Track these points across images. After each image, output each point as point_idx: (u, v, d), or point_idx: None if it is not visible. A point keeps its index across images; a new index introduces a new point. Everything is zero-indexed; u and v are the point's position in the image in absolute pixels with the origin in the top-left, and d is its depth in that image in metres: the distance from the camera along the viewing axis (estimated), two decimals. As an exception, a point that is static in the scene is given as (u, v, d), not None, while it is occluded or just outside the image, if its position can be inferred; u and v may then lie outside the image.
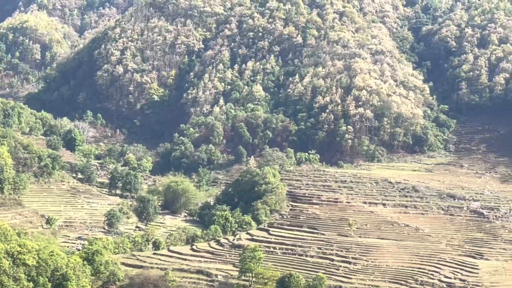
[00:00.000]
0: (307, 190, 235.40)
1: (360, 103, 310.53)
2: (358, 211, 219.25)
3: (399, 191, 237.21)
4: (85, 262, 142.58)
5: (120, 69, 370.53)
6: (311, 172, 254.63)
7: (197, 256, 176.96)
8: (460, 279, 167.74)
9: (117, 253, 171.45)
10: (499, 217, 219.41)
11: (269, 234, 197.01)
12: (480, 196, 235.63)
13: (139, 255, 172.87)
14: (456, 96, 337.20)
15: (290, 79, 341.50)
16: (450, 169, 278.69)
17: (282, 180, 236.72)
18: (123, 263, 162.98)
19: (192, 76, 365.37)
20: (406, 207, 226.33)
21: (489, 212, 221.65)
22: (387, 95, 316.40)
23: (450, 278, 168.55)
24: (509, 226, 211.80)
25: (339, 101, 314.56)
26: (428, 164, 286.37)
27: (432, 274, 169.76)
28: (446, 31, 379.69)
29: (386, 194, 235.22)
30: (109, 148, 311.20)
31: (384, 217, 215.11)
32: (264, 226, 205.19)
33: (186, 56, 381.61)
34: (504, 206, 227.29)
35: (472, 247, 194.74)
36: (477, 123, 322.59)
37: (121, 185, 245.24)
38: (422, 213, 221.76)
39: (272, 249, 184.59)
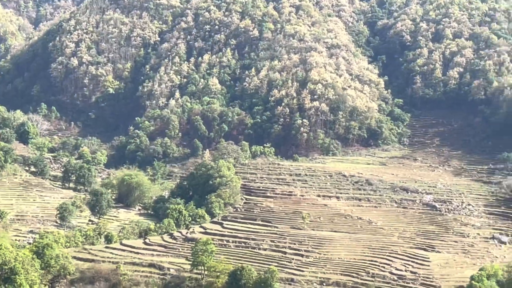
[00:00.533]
0: (261, 183, 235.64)
1: (315, 96, 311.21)
2: (312, 204, 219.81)
3: (353, 184, 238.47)
4: (34, 256, 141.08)
5: (75, 61, 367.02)
6: (266, 165, 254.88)
7: (149, 249, 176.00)
8: (411, 272, 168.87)
9: (69, 247, 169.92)
10: (451, 210, 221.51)
11: (223, 227, 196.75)
12: (433, 189, 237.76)
13: (90, 249, 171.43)
14: (411, 90, 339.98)
15: (246, 72, 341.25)
16: (404, 163, 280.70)
17: (236, 174, 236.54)
18: (74, 257, 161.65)
19: (148, 69, 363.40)
20: (360, 200, 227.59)
21: (441, 205, 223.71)
22: (342, 89, 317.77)
23: (401, 270, 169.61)
24: (460, 219, 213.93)
25: (294, 94, 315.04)
26: (382, 158, 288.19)
27: (384, 267, 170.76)
28: (401, 26, 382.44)
29: (340, 187, 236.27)
30: (63, 141, 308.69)
31: (338, 210, 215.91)
32: (218, 220, 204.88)
33: (142, 49, 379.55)
34: (456, 199, 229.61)
35: (424, 239, 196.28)
36: (431, 117, 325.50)
37: (74, 178, 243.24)
38: (375, 206, 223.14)
39: (225, 242, 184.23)
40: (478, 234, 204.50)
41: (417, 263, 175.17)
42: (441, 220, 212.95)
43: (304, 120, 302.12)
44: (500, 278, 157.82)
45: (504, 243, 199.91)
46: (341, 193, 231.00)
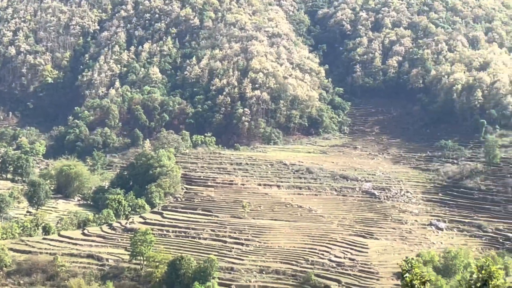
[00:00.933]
0: (202, 172, 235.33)
1: (256, 85, 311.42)
2: (252, 193, 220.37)
3: (294, 173, 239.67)
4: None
5: (12, 50, 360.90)
6: (207, 154, 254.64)
7: (88, 240, 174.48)
8: (350, 259, 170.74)
9: (5, 239, 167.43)
10: (389, 197, 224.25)
11: (163, 217, 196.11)
12: (372, 177, 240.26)
13: (28, 241, 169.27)
14: (351, 79, 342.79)
15: (187, 61, 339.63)
16: (344, 151, 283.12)
17: (177, 163, 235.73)
18: (11, 249, 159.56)
19: (87, 58, 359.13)
20: (300, 188, 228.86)
21: (380, 193, 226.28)
22: (283, 78, 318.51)
23: (340, 257, 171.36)
24: (399, 206, 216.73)
25: (236, 83, 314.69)
26: (322, 146, 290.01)
27: (323, 254, 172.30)
28: (341, 15, 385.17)
29: (281, 176, 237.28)
30: (0, 131, 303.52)
31: (278, 198, 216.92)
32: (158, 209, 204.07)
33: (81, 38, 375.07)
34: (395, 187, 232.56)
35: (363, 227, 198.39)
36: (371, 106, 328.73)
37: (12, 169, 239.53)
38: (315, 194, 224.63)
39: (165, 232, 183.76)
40: (416, 221, 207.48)
41: (355, 250, 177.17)
42: (380, 208, 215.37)
43: (246, 109, 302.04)
44: (436, 264, 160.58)
45: (441, 229, 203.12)
46: (281, 182, 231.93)
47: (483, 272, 26.13)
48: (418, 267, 27.84)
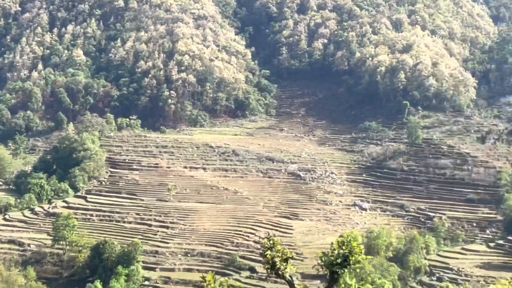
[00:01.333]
0: (127, 156, 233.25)
1: (182, 68, 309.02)
2: (178, 176, 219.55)
3: (220, 155, 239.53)
4: None
5: None
6: (132, 137, 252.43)
7: (9, 225, 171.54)
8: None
9: None
10: (315, 178, 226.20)
11: (86, 201, 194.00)
12: (298, 159, 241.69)
13: None
14: (277, 61, 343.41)
15: (112, 43, 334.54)
16: (270, 133, 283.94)
17: (101, 146, 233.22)
18: None
19: (8, 40, 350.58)
20: (226, 170, 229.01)
21: (305, 174, 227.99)
22: (209, 60, 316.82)
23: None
24: (324, 187, 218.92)
25: (161, 66, 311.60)
26: (249, 128, 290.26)
27: (248, 236, 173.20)
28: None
29: (207, 158, 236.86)
30: None
31: (204, 181, 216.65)
32: (82, 194, 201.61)
33: (1, 19, 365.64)
34: (320, 168, 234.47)
35: (288, 208, 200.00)
36: (297, 88, 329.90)
37: None
38: (241, 176, 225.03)
39: (89, 216, 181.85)
40: (340, 201, 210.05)
41: (280, 231, 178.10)
42: (305, 189, 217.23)
43: (172, 91, 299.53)
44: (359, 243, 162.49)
45: (365, 209, 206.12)
46: (208, 164, 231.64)
47: (343, 248, 26.26)
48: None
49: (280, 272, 27.28)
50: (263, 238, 27.75)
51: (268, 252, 27.22)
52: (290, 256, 27.45)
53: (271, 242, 27.39)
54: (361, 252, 26.66)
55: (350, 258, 26.77)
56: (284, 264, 27.31)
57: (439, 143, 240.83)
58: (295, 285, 27.52)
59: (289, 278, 27.42)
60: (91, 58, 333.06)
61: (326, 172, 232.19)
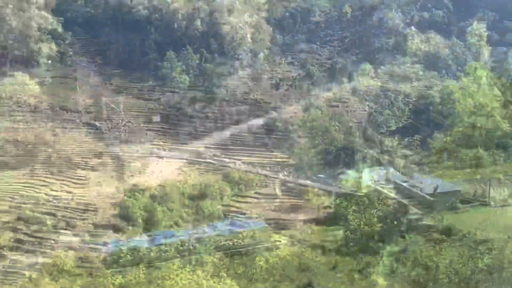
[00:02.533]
0: None
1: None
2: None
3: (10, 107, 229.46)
4: None
5: None
6: None
7: None
8: (67, 191, 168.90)
9: None
10: (111, 128, 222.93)
11: None
12: (94, 108, 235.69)
13: None
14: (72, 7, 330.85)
15: None
16: (65, 82, 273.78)
17: None
18: None
19: None
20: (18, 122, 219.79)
21: (101, 124, 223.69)
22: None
23: (57, 191, 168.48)
24: (120, 137, 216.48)
25: None
26: (44, 78, 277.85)
27: (39, 188, 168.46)
28: None
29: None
30: None
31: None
32: None
33: None
34: (116, 117, 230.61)
35: (83, 159, 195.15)
36: (93, 36, 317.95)
37: None
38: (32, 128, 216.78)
39: None
40: (137, 150, 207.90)
41: (73, 182, 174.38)
42: (101, 138, 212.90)
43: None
44: (153, 192, 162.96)
45: (162, 158, 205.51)
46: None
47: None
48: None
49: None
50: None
51: None
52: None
53: None
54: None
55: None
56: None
57: (234, 90, 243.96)
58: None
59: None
60: None
61: (123, 121, 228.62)
